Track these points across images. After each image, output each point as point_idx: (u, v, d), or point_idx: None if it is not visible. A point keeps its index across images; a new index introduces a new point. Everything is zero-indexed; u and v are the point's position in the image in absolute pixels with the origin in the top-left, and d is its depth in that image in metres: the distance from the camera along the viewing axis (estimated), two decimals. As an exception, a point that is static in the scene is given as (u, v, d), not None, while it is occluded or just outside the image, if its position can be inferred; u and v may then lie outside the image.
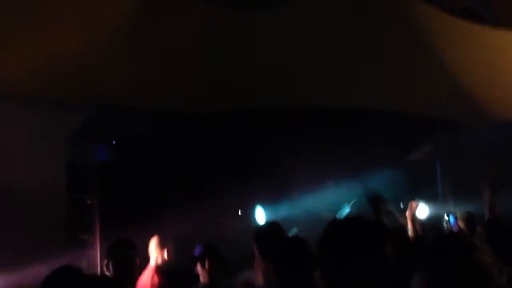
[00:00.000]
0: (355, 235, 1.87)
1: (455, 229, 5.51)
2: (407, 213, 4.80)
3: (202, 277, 4.16)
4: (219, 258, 4.17)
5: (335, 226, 1.96)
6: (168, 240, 4.71)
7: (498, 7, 4.73)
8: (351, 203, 6.14)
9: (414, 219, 4.79)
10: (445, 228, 5.69)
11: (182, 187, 6.04)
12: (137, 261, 3.82)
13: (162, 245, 4.72)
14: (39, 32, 4.18)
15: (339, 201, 6.37)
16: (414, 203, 4.87)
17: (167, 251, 4.63)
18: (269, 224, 4.24)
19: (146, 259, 4.34)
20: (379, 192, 5.08)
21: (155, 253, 4.31)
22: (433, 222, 6.08)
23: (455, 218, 5.70)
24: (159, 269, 4.25)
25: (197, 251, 4.23)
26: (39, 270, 3.54)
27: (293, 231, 6.24)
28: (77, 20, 4.23)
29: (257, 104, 5.90)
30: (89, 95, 5.18)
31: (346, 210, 6.14)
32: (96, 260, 5.45)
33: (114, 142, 6.11)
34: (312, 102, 6.08)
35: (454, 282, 2.34)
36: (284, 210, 6.70)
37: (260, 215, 6.73)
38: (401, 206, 7.07)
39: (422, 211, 5.93)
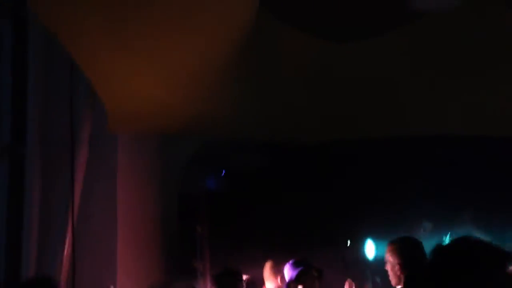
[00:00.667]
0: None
1: None
2: None
3: None
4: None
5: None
6: (281, 266, 4.83)
7: None
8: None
9: None
10: None
11: (290, 216, 6.11)
12: None
13: (275, 270, 4.87)
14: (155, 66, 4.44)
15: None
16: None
17: (280, 277, 4.75)
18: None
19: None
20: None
21: (269, 278, 4.42)
22: None
23: None
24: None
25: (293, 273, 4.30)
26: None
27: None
28: (190, 53, 4.42)
29: (363, 135, 5.87)
30: (200, 128, 5.41)
31: None
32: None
33: (223, 172, 6.33)
34: (419, 131, 5.97)
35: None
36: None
37: (370, 249, 6.64)
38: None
39: None
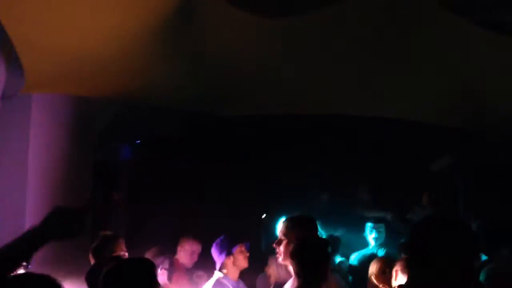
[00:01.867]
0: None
1: None
2: None
3: None
4: None
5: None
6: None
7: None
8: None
9: None
10: None
11: (207, 187, 6.09)
12: None
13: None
14: (71, 28, 4.23)
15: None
16: None
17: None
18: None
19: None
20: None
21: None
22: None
23: None
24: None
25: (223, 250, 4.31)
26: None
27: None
28: (110, 17, 4.25)
29: (289, 110, 5.93)
30: (120, 93, 5.23)
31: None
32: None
33: (140, 141, 6.19)
34: (334, 110, 6.12)
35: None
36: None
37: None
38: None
39: None
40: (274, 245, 3.64)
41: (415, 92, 5.59)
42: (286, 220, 3.76)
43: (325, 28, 4.84)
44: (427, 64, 5.22)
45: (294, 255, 3.33)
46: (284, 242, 3.59)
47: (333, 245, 4.67)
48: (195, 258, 5.20)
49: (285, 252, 3.56)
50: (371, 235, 6.18)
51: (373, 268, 4.38)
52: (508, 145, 6.32)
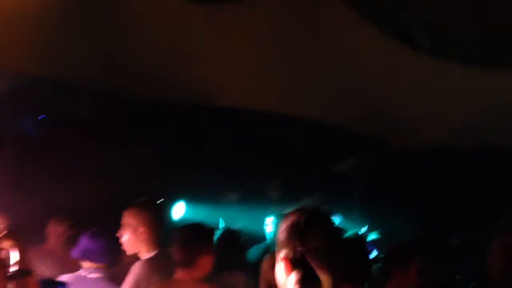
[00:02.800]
0: None
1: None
2: None
3: None
4: None
5: None
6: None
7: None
8: None
9: None
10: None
11: (107, 169, 5.92)
12: None
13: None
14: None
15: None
16: None
17: None
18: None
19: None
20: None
21: None
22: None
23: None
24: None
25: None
26: None
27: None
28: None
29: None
30: (21, 62, 4.97)
31: None
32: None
33: (41, 116, 5.93)
34: (233, 103, 6.14)
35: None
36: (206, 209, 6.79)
37: (179, 210, 6.74)
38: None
39: None
40: None
41: (317, 91, 5.72)
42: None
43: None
44: (331, 64, 5.35)
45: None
46: None
47: (231, 238, 4.70)
48: (64, 242, 4.63)
49: None
50: (268, 229, 6.27)
51: (265, 262, 4.42)
52: (406, 155, 6.64)
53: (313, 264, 1.81)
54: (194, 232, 3.31)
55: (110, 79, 5.45)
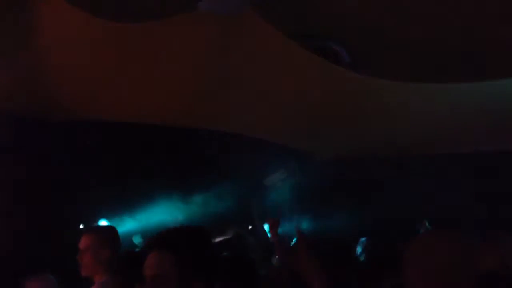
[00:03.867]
0: None
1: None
2: (271, 231, 4.71)
3: None
4: None
5: None
6: None
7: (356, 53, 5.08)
8: None
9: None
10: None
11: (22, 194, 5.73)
12: None
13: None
14: None
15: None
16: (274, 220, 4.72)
17: None
18: None
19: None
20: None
21: None
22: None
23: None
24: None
25: None
26: None
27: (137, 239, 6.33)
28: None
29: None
30: None
31: None
32: None
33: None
34: (169, 121, 6.10)
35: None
36: (128, 223, 6.70)
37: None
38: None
39: None
40: None
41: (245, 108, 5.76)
42: None
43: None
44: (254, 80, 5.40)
45: None
46: None
47: None
48: None
49: None
50: None
51: None
52: (333, 166, 6.81)
53: None
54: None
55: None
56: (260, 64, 5.22)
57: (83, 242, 3.62)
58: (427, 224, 6.29)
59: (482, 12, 4.21)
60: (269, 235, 4.83)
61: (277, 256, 4.91)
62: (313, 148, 6.90)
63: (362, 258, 5.45)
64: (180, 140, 6.58)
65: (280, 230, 4.66)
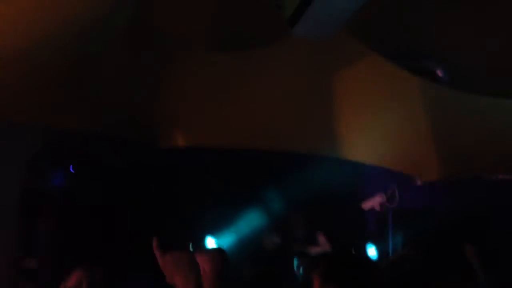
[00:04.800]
0: None
1: None
2: None
3: None
4: None
5: None
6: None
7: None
8: None
9: None
10: None
11: (138, 217, 6.03)
12: None
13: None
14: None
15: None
16: None
17: None
18: None
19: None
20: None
21: None
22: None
23: None
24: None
25: None
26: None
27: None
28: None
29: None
30: (49, 118, 5.13)
31: None
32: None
33: (72, 168, 6.08)
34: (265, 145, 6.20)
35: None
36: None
37: (212, 245, 6.85)
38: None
39: None
40: None
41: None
42: None
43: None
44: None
45: None
46: None
47: None
48: None
49: None
50: None
51: None
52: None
53: None
54: None
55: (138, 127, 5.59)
56: (357, 87, 5.23)
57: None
58: None
59: None
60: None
61: None
62: (415, 171, 6.71)
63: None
64: (278, 163, 6.67)
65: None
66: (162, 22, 4.50)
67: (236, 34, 4.65)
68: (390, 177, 7.00)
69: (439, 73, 4.88)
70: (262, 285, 4.56)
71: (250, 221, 7.03)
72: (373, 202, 7.42)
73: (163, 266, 2.05)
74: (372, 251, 7.17)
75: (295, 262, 6.18)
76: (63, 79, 4.59)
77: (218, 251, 3.90)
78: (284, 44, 4.48)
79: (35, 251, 5.47)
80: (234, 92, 5.39)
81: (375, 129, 5.71)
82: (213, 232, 6.86)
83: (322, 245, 6.39)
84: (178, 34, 4.61)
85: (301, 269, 5.98)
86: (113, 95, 5.08)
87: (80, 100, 4.97)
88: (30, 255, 5.43)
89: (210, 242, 6.83)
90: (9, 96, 4.50)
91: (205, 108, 5.58)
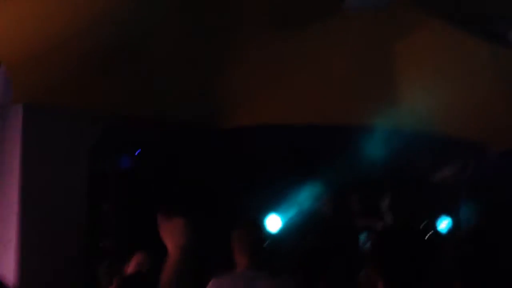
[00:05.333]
0: None
1: None
2: None
3: None
4: None
5: None
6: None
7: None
8: None
9: None
10: None
11: (200, 198, 6.09)
12: None
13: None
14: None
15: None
16: None
17: None
18: None
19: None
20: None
21: None
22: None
23: None
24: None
25: None
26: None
27: None
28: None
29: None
30: (112, 104, 5.22)
31: None
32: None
33: (137, 151, 6.20)
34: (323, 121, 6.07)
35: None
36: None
37: (274, 223, 6.83)
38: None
39: None
40: None
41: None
42: None
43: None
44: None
45: None
46: None
47: None
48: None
49: None
50: None
51: None
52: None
53: None
54: None
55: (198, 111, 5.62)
56: (421, 55, 5.01)
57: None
58: None
59: None
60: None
61: None
62: (487, 139, 6.39)
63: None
64: (336, 138, 6.52)
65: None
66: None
67: (293, 10, 4.56)
68: (462, 147, 6.71)
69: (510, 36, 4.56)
70: (320, 260, 4.56)
71: (310, 197, 6.97)
72: (444, 174, 7.16)
73: (161, 232, 2.12)
74: (443, 225, 6.92)
75: (361, 237, 6.06)
76: (115, 64, 4.66)
77: (255, 224, 3.95)
78: (340, 18, 4.34)
79: (102, 234, 5.64)
80: (294, 69, 5.33)
81: (443, 97, 5.47)
82: (273, 209, 6.84)
83: (388, 220, 6.21)
84: (241, 11, 4.58)
85: (367, 244, 5.86)
86: (175, 78, 5.13)
87: (139, 84, 5.05)
88: (99, 238, 5.61)
89: (269, 218, 6.83)
90: (63, 83, 4.62)
91: (267, 86, 5.55)
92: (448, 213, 7.02)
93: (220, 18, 4.57)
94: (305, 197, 6.91)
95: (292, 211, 6.93)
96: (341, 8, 3.78)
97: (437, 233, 6.25)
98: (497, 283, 3.47)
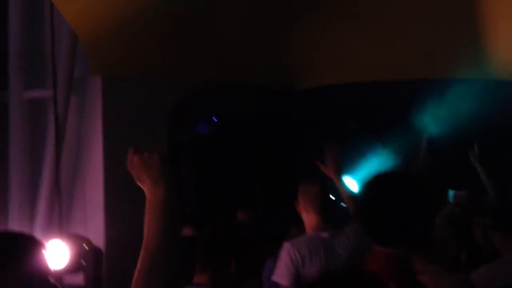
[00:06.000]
0: None
1: None
2: None
3: None
4: None
5: None
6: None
7: None
8: None
9: None
10: None
11: (278, 164, 6.06)
12: None
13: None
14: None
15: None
16: None
17: None
18: None
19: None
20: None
21: None
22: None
23: None
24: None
25: None
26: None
27: None
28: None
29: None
30: (188, 70, 5.27)
31: None
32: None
33: (214, 118, 6.24)
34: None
35: None
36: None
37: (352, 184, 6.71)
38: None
39: None
40: None
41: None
42: None
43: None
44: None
45: None
46: None
47: None
48: None
49: None
50: None
51: None
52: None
53: None
54: None
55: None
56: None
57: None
58: None
59: None
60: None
61: None
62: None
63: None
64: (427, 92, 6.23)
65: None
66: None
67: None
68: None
69: None
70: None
71: (393, 157, 6.76)
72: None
73: (130, 167, 1.97)
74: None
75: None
76: (190, 31, 4.69)
77: (320, 183, 3.82)
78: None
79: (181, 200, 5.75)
80: (369, 25, 5.17)
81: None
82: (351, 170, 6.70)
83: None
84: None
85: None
86: (250, 41, 5.10)
87: (214, 49, 5.07)
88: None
89: (347, 180, 6.71)
90: (138, 52, 4.71)
91: (338, 45, 5.40)
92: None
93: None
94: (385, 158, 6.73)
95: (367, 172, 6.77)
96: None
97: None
98: None
